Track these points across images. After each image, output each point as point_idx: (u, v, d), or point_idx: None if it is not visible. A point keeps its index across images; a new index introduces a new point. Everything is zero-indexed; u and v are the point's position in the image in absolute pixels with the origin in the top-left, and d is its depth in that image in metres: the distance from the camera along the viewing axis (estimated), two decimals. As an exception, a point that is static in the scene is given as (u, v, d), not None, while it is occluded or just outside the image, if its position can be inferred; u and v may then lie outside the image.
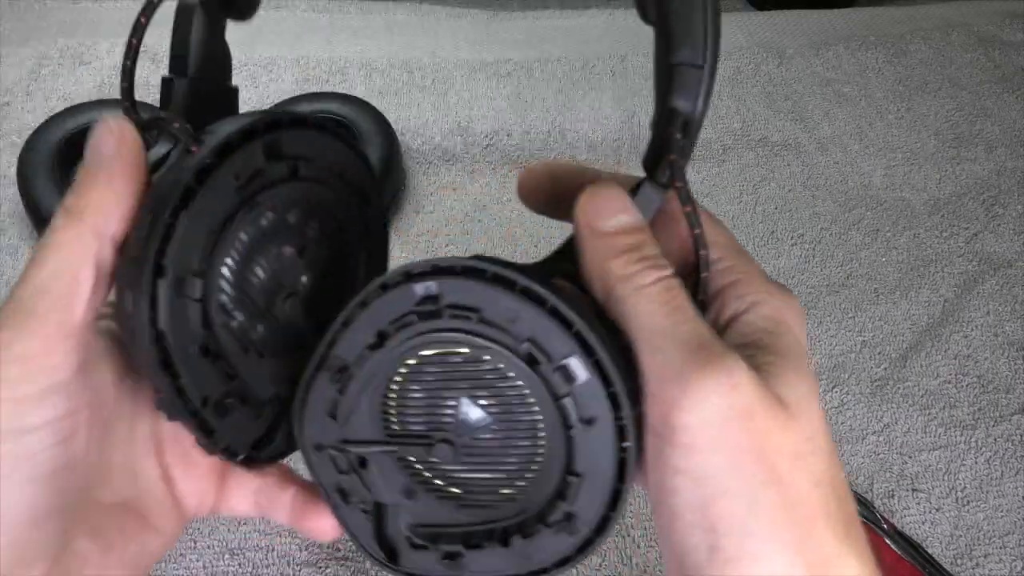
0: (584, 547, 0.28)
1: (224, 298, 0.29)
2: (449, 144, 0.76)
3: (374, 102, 0.74)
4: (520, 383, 0.27)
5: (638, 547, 0.53)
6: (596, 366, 0.25)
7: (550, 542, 0.28)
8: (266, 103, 0.76)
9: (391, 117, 0.73)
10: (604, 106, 0.80)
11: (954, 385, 0.61)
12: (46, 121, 0.70)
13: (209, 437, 0.29)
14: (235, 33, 0.31)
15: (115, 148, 0.26)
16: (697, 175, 0.74)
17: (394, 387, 0.28)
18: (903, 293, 0.67)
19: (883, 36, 0.90)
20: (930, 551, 0.53)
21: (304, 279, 0.31)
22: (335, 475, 0.30)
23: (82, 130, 0.69)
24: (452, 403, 0.28)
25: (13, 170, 0.68)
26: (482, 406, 0.27)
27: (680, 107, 0.27)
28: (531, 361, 0.26)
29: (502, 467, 0.28)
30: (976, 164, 0.78)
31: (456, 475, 0.29)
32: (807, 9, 0.97)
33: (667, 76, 0.27)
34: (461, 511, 0.29)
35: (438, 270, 0.26)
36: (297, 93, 0.75)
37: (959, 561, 0.53)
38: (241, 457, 0.30)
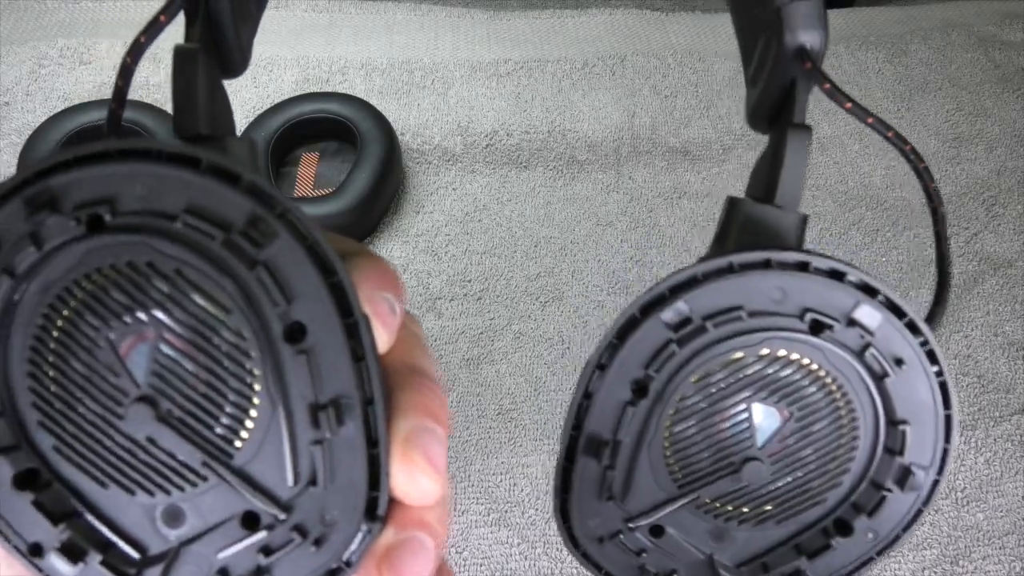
0: (932, 491, 0.26)
1: (48, 409, 0.23)
2: (449, 144, 0.76)
3: (374, 102, 0.74)
4: (807, 360, 0.25)
5: (638, 547, 0.53)
6: (886, 303, 0.24)
7: (895, 505, 0.26)
8: (266, 103, 0.76)
9: (391, 117, 0.74)
10: (604, 106, 0.80)
11: (954, 385, 0.61)
12: (46, 121, 0.70)
13: None
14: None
15: None
16: (697, 175, 0.74)
17: (665, 433, 0.25)
18: (903, 293, 0.67)
19: (883, 36, 0.90)
20: (929, 552, 0.53)
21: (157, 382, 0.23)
22: (630, 559, 0.27)
23: (82, 130, 0.69)
24: (739, 417, 0.25)
25: (13, 171, 0.68)
26: (773, 403, 0.25)
27: (804, 41, 0.27)
28: (817, 329, 0.24)
29: (811, 459, 0.26)
30: (976, 164, 0.78)
31: (764, 490, 0.26)
32: (807, 9, 0.96)
33: (775, 18, 0.27)
34: (780, 526, 0.27)
35: (679, 287, 0.24)
36: (297, 93, 0.75)
37: (959, 562, 0.53)
38: None
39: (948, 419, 0.26)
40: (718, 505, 0.26)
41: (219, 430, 0.23)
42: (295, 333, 0.22)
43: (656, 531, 0.26)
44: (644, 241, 0.69)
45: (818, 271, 0.24)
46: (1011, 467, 0.57)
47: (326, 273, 0.22)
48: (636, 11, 0.91)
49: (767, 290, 0.24)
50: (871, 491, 0.26)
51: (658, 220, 0.71)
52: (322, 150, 0.75)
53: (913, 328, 0.25)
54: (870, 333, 0.24)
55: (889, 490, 0.26)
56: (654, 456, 0.25)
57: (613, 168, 0.75)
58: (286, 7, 0.91)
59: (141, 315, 0.23)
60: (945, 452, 0.26)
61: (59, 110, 0.71)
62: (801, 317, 0.24)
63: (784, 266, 0.24)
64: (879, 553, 0.27)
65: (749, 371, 0.25)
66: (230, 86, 0.30)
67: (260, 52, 0.85)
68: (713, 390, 0.25)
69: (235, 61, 0.28)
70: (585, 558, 0.27)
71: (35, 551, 0.23)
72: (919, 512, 0.26)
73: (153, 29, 0.25)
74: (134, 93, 0.77)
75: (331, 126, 0.73)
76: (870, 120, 0.28)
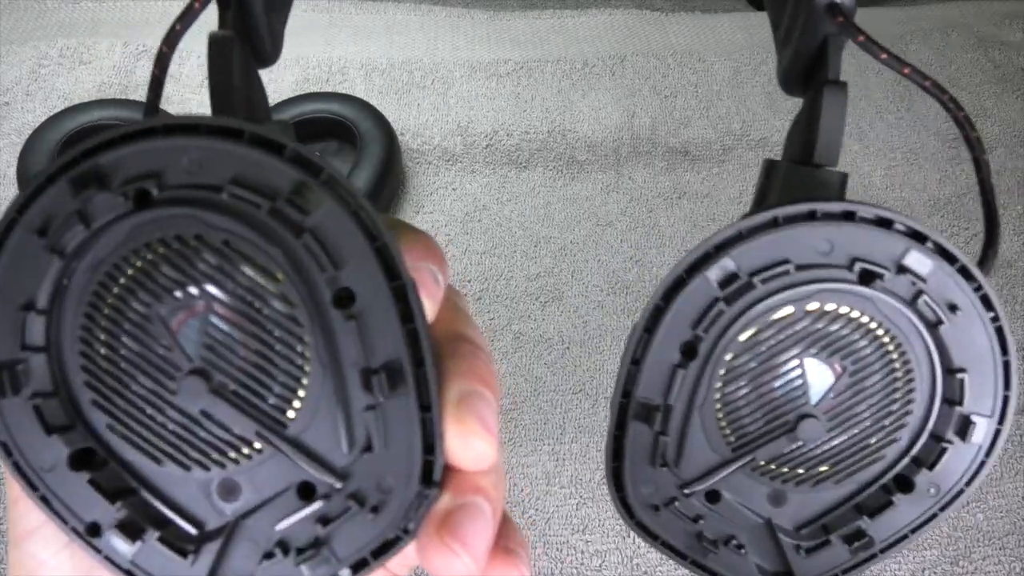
0: (995, 441, 0.25)
1: (101, 387, 0.23)
2: (449, 144, 0.76)
3: (374, 102, 0.74)
4: (857, 313, 0.24)
5: (639, 547, 0.53)
6: (936, 249, 0.24)
7: (957, 457, 0.25)
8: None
9: (391, 117, 0.74)
10: (604, 106, 0.80)
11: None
12: (46, 121, 0.70)
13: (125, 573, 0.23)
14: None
15: None
16: (697, 175, 0.74)
17: (716, 395, 0.25)
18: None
19: (883, 36, 0.90)
20: (929, 553, 0.53)
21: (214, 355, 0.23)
22: (687, 526, 0.26)
23: (82, 130, 0.69)
24: (791, 375, 0.25)
25: (13, 170, 0.68)
26: (825, 359, 0.25)
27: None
28: (867, 279, 0.24)
29: (866, 414, 0.25)
30: (976, 164, 0.78)
31: (820, 449, 0.25)
32: (807, 9, 0.96)
33: None
34: (839, 486, 0.26)
35: (724, 244, 0.24)
36: (297, 93, 0.75)
37: (959, 562, 0.53)
38: None
39: (1007, 365, 0.25)
40: (774, 467, 0.26)
41: (272, 400, 0.23)
42: (344, 299, 0.22)
43: (712, 496, 0.26)
44: (644, 241, 0.69)
45: (864, 220, 0.24)
46: (1011, 467, 0.57)
47: (371, 238, 0.22)
48: (636, 11, 0.91)
49: (814, 242, 0.24)
50: (931, 444, 0.25)
51: (658, 220, 0.71)
52: (322, 150, 0.75)
53: (966, 274, 0.24)
54: (922, 280, 0.24)
55: (950, 441, 0.25)
56: (706, 419, 0.25)
57: (613, 168, 0.75)
58: (286, 7, 0.91)
59: (191, 289, 0.23)
60: (1006, 400, 0.25)
61: (59, 110, 0.71)
62: (850, 267, 0.24)
63: (830, 217, 0.24)
64: (942, 508, 0.26)
65: (799, 327, 0.24)
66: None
67: (260, 52, 0.85)
68: (763, 348, 0.25)
69: (266, 50, 0.28)
70: (640, 528, 0.26)
71: (93, 531, 0.23)
72: (982, 464, 0.25)
73: (188, 16, 0.25)
74: (132, 93, 0.77)
75: (331, 126, 0.73)
76: (906, 71, 0.27)
